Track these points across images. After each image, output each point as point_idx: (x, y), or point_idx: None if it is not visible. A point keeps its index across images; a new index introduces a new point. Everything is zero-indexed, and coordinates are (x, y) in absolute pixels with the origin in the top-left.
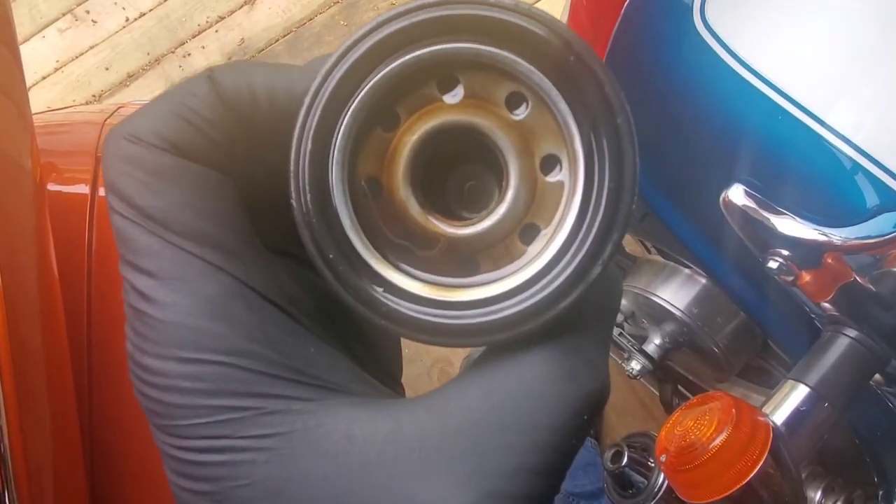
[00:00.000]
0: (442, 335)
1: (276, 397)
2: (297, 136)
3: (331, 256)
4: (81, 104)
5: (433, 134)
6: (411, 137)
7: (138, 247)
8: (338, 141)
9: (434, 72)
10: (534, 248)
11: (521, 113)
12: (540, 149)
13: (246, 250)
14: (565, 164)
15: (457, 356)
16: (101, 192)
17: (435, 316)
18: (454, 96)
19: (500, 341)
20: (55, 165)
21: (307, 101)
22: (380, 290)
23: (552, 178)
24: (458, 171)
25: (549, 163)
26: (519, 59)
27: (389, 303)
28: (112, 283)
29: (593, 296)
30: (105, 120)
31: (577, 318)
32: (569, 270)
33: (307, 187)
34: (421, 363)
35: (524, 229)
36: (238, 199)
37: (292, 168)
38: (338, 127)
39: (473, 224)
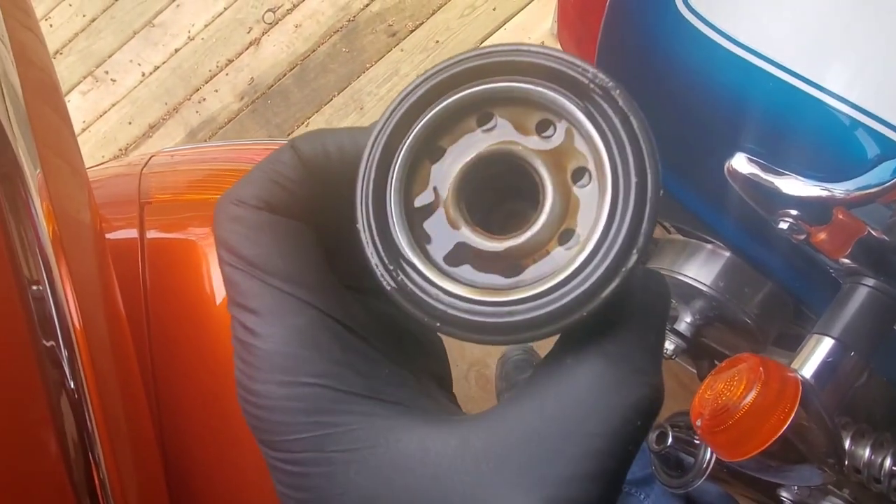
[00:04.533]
0: (494, 333)
1: (362, 414)
2: (362, 172)
3: (392, 269)
4: (111, 159)
5: (475, 161)
6: (456, 166)
7: (242, 289)
8: (395, 173)
9: (472, 109)
10: (572, 250)
11: (549, 135)
12: (570, 163)
13: (325, 286)
14: (594, 173)
15: (492, 358)
16: (150, 234)
17: (489, 316)
18: (490, 127)
19: (546, 334)
20: (102, 216)
21: (369, 144)
22: (438, 296)
23: (582, 186)
24: (499, 190)
25: (579, 174)
26: (548, 92)
27: (448, 308)
28: (167, 319)
29: (638, 299)
30: (141, 170)
31: (623, 326)
32: (607, 262)
33: (370, 213)
34: (457, 368)
35: (562, 234)
36: (316, 243)
37: (358, 198)
38: (394, 162)
39: (516, 236)
